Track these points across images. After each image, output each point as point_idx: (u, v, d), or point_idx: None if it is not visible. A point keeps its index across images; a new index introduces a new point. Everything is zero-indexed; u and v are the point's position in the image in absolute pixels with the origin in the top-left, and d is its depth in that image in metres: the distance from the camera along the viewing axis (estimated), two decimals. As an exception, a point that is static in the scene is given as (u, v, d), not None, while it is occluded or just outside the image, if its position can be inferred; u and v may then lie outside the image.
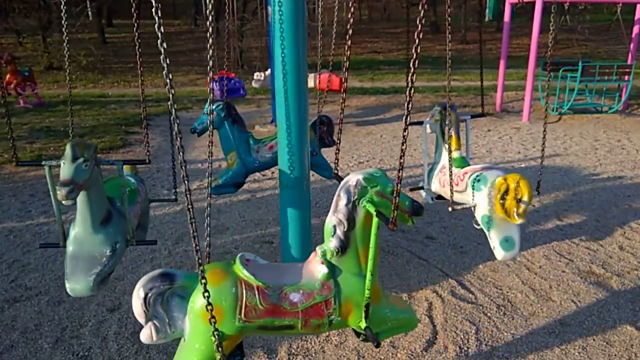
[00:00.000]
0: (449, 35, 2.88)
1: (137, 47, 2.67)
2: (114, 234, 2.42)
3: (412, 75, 1.73)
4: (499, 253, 2.83)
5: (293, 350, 2.66)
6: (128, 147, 7.06)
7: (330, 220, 1.95)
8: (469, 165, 3.24)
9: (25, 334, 2.80)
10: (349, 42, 2.27)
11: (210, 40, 2.17)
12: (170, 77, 1.49)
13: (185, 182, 1.61)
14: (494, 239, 2.84)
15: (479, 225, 3.01)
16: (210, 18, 2.12)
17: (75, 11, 16.77)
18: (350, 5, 2.55)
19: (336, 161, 2.67)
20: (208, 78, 2.40)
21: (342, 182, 1.97)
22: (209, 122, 3.43)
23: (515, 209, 2.70)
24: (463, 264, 3.60)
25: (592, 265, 3.57)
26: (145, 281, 1.78)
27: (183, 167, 1.61)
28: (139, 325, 2.97)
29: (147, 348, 2.66)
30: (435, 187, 3.40)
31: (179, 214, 4.54)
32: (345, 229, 1.91)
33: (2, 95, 2.42)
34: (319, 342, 2.73)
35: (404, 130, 1.80)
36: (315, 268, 1.94)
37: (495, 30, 22.48)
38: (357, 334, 2.15)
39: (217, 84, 8.24)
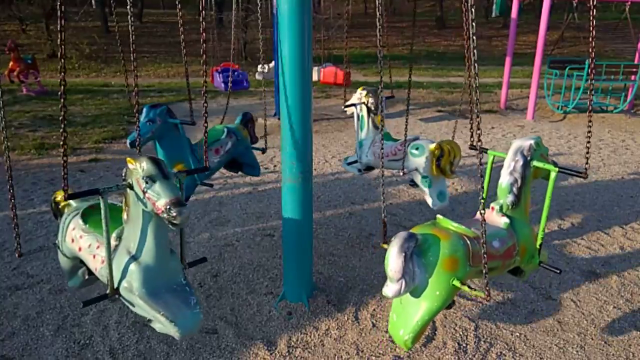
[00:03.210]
0: (414, 29, 3.56)
1: (201, 37, 2.34)
2: (179, 260, 2.20)
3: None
4: (436, 204, 3.52)
5: (292, 343, 2.67)
6: (131, 137, 7.07)
7: (506, 179, 2.38)
8: (394, 138, 3.82)
9: (26, 322, 2.82)
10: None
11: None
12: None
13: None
14: (433, 194, 3.50)
15: (414, 184, 3.68)
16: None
17: (79, -1, 16.69)
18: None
19: (473, 139, 2.98)
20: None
21: (514, 147, 2.40)
22: (153, 130, 3.01)
23: (449, 167, 3.41)
24: (463, 261, 3.61)
25: (592, 264, 3.57)
26: (401, 242, 2.03)
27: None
28: (139, 315, 2.97)
29: (148, 337, 2.68)
30: (369, 159, 3.83)
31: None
32: (519, 186, 2.37)
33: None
34: (319, 335, 2.74)
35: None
36: (497, 219, 2.36)
37: (501, 26, 22.32)
38: (515, 274, 2.54)
39: (221, 75, 8.20)
